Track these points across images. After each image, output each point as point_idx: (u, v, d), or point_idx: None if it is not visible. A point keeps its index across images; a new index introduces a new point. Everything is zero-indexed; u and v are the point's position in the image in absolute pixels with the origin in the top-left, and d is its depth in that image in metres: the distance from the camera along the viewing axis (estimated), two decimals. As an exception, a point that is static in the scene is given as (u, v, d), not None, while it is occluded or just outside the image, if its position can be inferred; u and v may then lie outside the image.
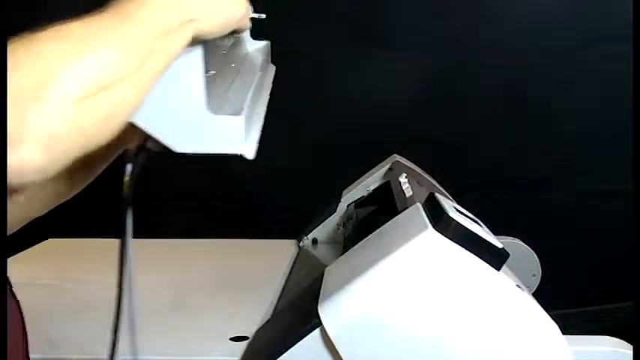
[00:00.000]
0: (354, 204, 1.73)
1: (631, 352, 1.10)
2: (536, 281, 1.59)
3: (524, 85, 2.48)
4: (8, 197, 0.53)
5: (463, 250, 0.94)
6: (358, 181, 1.79)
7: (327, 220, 1.75)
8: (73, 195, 0.82)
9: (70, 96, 0.51)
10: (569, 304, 2.25)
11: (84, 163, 0.71)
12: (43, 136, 0.50)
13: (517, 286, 0.96)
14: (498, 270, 0.96)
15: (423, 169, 1.53)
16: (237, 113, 0.67)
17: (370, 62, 2.49)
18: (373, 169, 1.76)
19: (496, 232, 1.14)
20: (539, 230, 1.94)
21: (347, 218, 1.70)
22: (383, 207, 1.46)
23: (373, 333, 0.93)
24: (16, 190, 0.53)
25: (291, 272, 1.50)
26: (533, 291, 1.50)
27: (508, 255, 0.98)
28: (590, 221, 2.48)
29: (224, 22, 0.65)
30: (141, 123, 0.62)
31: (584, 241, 2.46)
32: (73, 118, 0.52)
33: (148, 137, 0.67)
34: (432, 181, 1.47)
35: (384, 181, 1.64)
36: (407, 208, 1.13)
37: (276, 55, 2.39)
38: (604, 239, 2.44)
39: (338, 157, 2.37)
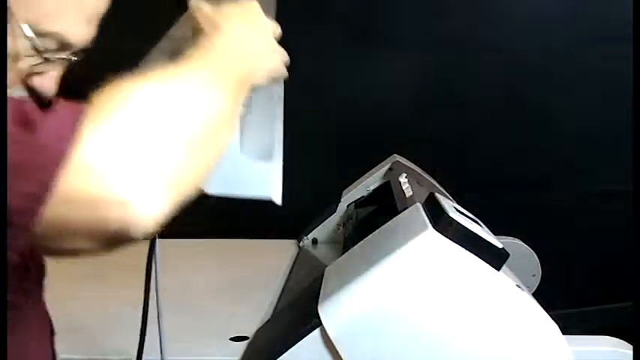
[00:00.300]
0: (354, 204, 1.73)
1: (631, 352, 1.10)
2: (536, 281, 1.59)
3: (524, 85, 2.48)
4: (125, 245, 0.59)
5: (463, 250, 0.94)
6: (358, 181, 1.79)
7: (327, 220, 1.75)
8: None
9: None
10: (569, 304, 2.25)
11: None
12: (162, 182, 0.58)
13: (517, 286, 0.96)
14: (498, 270, 0.96)
15: (423, 169, 1.53)
16: (269, 158, 0.67)
17: (370, 62, 2.49)
18: (373, 169, 1.76)
19: (496, 232, 1.14)
20: (539, 230, 1.94)
21: (347, 218, 1.71)
22: (383, 207, 1.46)
23: (373, 333, 0.93)
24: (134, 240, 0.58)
25: (291, 272, 1.50)
26: (533, 291, 1.50)
27: (508, 255, 0.98)
28: (590, 221, 2.48)
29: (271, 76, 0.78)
30: None
31: (584, 241, 2.46)
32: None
33: None
34: (432, 181, 1.47)
35: (384, 181, 1.64)
36: (407, 208, 1.13)
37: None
38: (604, 239, 2.44)
39: (338, 157, 2.37)
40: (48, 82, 0.75)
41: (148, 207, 0.57)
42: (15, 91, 0.74)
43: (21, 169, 0.57)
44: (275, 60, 0.80)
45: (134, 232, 0.57)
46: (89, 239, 0.59)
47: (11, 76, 0.72)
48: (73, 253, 0.62)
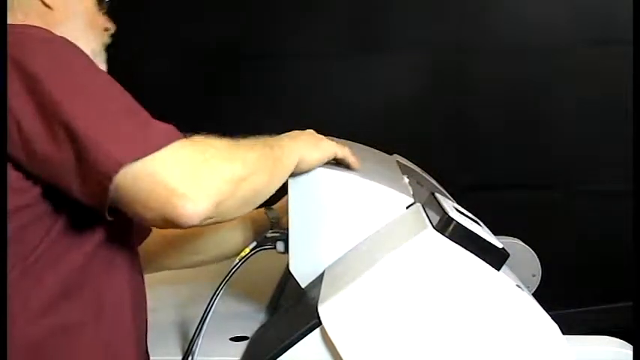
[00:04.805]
0: (354, 204, 1.72)
1: (631, 352, 1.10)
2: (536, 281, 1.59)
3: (524, 85, 2.48)
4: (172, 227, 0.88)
5: (463, 250, 0.94)
6: (358, 181, 1.78)
7: (327, 220, 1.74)
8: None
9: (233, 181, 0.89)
10: (569, 304, 2.25)
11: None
12: (215, 200, 0.85)
13: (517, 286, 0.96)
14: (498, 270, 0.96)
15: (423, 169, 1.53)
16: None
17: (370, 63, 2.49)
18: (373, 169, 1.76)
19: (496, 232, 1.14)
20: (539, 230, 1.94)
21: (347, 218, 1.70)
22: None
23: (373, 333, 0.93)
24: (180, 226, 0.85)
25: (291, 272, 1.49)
26: (533, 291, 1.50)
27: (508, 255, 0.98)
28: (590, 221, 2.48)
29: (319, 160, 1.08)
30: None
31: (584, 241, 2.46)
32: (232, 195, 0.88)
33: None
34: (432, 181, 1.47)
35: (384, 181, 1.64)
36: (407, 207, 1.13)
37: (276, 56, 2.44)
38: (604, 239, 2.44)
39: (338, 157, 2.36)
40: None
41: (193, 207, 0.83)
42: None
43: (125, 135, 0.84)
44: (325, 154, 1.08)
45: (181, 221, 0.84)
46: (151, 214, 0.84)
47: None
48: (140, 219, 0.88)
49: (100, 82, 0.90)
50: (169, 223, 0.84)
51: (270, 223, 1.29)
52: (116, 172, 0.82)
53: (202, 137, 0.90)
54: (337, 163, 1.12)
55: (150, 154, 0.83)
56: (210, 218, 0.87)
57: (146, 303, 1.08)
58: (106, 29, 1.12)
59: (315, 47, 2.47)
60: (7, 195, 0.84)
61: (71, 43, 0.92)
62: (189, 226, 0.85)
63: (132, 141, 0.84)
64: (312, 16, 2.48)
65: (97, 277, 0.96)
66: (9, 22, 0.98)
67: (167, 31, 2.45)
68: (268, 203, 1.15)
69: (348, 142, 1.39)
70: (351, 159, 1.12)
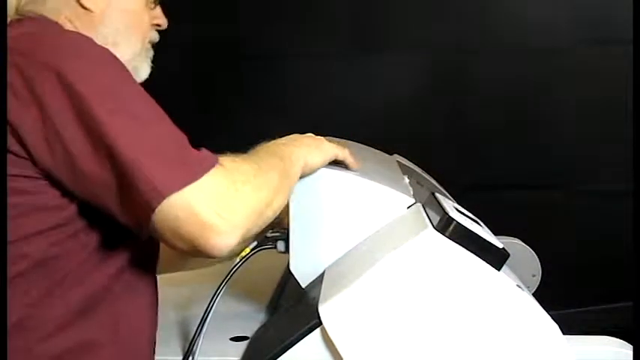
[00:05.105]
0: (354, 204, 1.72)
1: (631, 352, 1.10)
2: (536, 281, 1.59)
3: (524, 85, 2.48)
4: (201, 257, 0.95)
5: (463, 250, 0.94)
6: (358, 181, 1.78)
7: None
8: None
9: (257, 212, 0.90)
10: (569, 304, 2.25)
11: None
12: (244, 231, 0.88)
13: (517, 286, 0.96)
14: (498, 270, 0.96)
15: (423, 169, 1.53)
16: None
17: (370, 62, 2.49)
18: (373, 169, 1.75)
19: (496, 232, 1.14)
20: (539, 230, 1.94)
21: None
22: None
23: (373, 333, 0.93)
24: (210, 257, 0.88)
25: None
26: (533, 291, 1.50)
27: (508, 255, 0.98)
28: (590, 221, 2.48)
29: (322, 163, 1.09)
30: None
31: (584, 241, 2.46)
32: (258, 222, 0.92)
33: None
34: (432, 181, 1.47)
35: (385, 181, 1.64)
36: (409, 208, 1.13)
37: (276, 56, 2.44)
38: (604, 239, 2.44)
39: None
40: None
41: (224, 240, 0.85)
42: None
43: (167, 164, 0.85)
44: (326, 156, 1.10)
45: (209, 252, 0.85)
46: (183, 244, 0.85)
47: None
48: (170, 246, 0.88)
49: (142, 102, 0.90)
50: (199, 253, 0.86)
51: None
52: (159, 203, 0.83)
53: (230, 160, 0.91)
54: (336, 163, 1.12)
55: (189, 184, 0.84)
56: (238, 245, 0.90)
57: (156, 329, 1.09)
58: (157, 25, 1.11)
59: (316, 47, 2.47)
60: (6, 195, 0.84)
61: (113, 57, 0.91)
62: (219, 257, 0.88)
63: (173, 170, 0.85)
64: (313, 16, 2.48)
65: (118, 300, 0.97)
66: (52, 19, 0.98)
67: (166, 30, 2.45)
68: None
69: (348, 142, 1.39)
70: (350, 160, 1.12)
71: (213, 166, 0.87)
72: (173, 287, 1.44)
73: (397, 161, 1.44)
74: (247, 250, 1.14)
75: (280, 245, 1.14)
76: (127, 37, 1.04)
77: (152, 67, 1.10)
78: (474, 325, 0.92)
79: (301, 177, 1.06)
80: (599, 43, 2.43)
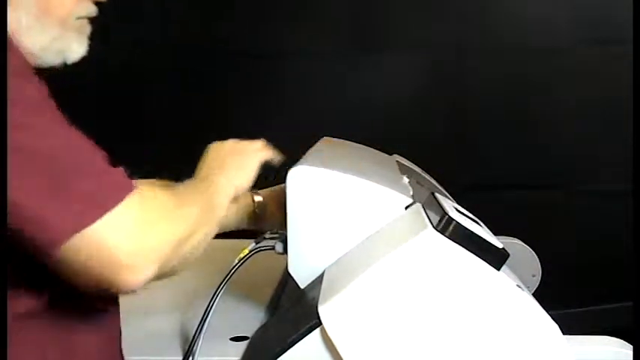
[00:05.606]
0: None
1: (631, 352, 1.10)
2: (536, 281, 1.59)
3: (524, 84, 2.48)
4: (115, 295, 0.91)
5: (463, 250, 0.94)
6: (358, 181, 1.78)
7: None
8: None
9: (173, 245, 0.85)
10: (569, 304, 2.25)
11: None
12: (158, 266, 0.82)
13: (517, 286, 0.96)
14: (498, 270, 0.96)
15: (423, 169, 1.53)
16: None
17: (370, 62, 2.49)
18: (373, 169, 1.75)
19: (496, 232, 1.14)
20: (539, 230, 1.94)
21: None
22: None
23: (373, 333, 0.93)
24: (122, 293, 0.85)
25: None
26: (533, 291, 1.50)
27: (508, 255, 0.98)
28: (590, 221, 2.48)
29: (249, 182, 1.10)
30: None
31: (584, 241, 2.46)
32: (175, 257, 0.86)
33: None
34: (432, 181, 1.47)
35: (384, 181, 1.64)
36: (407, 208, 1.13)
37: (276, 55, 2.43)
38: (604, 239, 2.44)
39: (338, 157, 2.37)
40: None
41: (137, 276, 0.80)
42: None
43: (72, 200, 0.77)
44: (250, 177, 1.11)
45: (120, 290, 0.81)
46: (89, 280, 0.79)
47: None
48: (77, 285, 0.81)
49: (49, 132, 0.79)
50: (108, 290, 0.81)
51: (254, 206, 1.30)
52: (66, 239, 0.76)
53: (149, 189, 0.85)
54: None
55: (98, 219, 0.77)
56: (152, 281, 0.83)
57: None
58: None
59: (315, 47, 2.47)
60: (6, 194, 0.79)
61: (22, 71, 0.82)
62: (130, 293, 0.82)
63: (77, 204, 0.77)
64: (312, 16, 2.48)
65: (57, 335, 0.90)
66: None
67: (165, 30, 2.46)
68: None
69: (348, 142, 1.39)
70: (273, 155, 1.15)
71: (127, 195, 0.80)
72: (173, 287, 1.44)
73: (397, 161, 1.44)
74: (246, 251, 1.14)
75: (279, 246, 1.14)
76: (41, 20, 0.92)
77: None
78: (473, 325, 0.92)
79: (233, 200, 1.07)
80: (599, 43, 2.43)
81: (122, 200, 0.79)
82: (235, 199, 1.07)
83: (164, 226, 0.84)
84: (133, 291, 0.81)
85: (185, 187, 0.98)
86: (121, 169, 0.83)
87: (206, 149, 1.11)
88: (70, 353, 0.91)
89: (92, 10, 0.98)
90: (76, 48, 0.96)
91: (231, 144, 1.12)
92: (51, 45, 0.93)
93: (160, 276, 0.84)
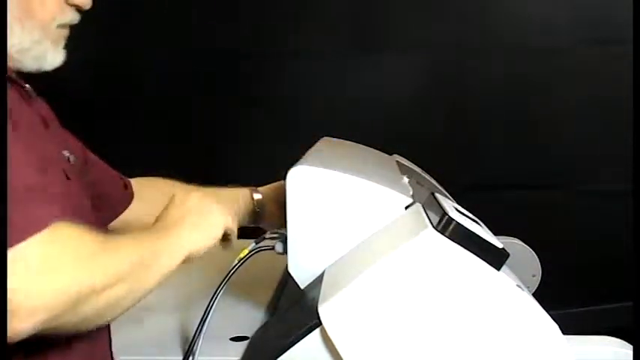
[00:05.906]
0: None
1: (631, 352, 1.10)
2: (536, 281, 1.59)
3: (524, 85, 2.48)
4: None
5: (463, 250, 0.94)
6: (358, 181, 1.78)
7: (327, 220, 1.74)
8: None
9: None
10: (569, 304, 2.25)
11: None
12: (47, 317, 0.72)
13: (517, 286, 0.96)
14: (498, 270, 0.96)
15: (423, 169, 1.53)
16: None
17: (370, 62, 2.49)
18: (373, 169, 1.75)
19: (496, 232, 1.14)
20: (539, 230, 1.94)
21: (347, 218, 1.70)
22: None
23: (373, 333, 0.93)
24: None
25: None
26: (533, 291, 1.50)
27: (508, 255, 0.98)
28: (590, 221, 2.48)
29: (206, 247, 0.98)
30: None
31: (584, 241, 2.46)
32: (72, 310, 0.74)
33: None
34: (432, 181, 1.47)
35: (384, 181, 1.64)
36: (407, 207, 1.13)
37: (276, 55, 2.43)
38: (604, 239, 2.44)
39: (338, 157, 2.37)
40: None
41: (17, 323, 0.70)
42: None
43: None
44: (214, 237, 1.00)
45: (8, 334, 0.71)
46: None
47: None
48: None
49: None
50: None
51: (253, 204, 1.31)
52: None
53: (73, 228, 0.77)
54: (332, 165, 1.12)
55: None
56: (47, 331, 0.75)
57: None
58: (76, 6, 0.96)
59: (315, 47, 2.47)
60: (6, 192, 0.78)
61: None
62: (13, 341, 0.72)
63: None
64: (312, 16, 2.48)
65: None
66: None
67: (165, 30, 2.46)
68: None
69: (348, 142, 1.39)
70: (234, 231, 1.06)
71: (38, 231, 0.72)
72: (173, 287, 1.44)
73: (397, 161, 1.44)
74: (245, 251, 1.14)
75: (279, 247, 1.14)
76: (22, 22, 0.91)
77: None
78: (473, 325, 0.92)
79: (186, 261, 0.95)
80: (599, 43, 2.43)
81: (32, 235, 0.72)
82: (188, 259, 0.95)
83: (70, 271, 0.74)
84: (13, 339, 0.72)
85: (133, 234, 0.91)
86: (49, 198, 0.77)
87: (171, 199, 1.00)
88: None
89: (75, 17, 0.96)
90: (54, 55, 0.95)
91: (196, 201, 1.00)
92: (30, 48, 0.92)
93: (57, 328, 0.75)
